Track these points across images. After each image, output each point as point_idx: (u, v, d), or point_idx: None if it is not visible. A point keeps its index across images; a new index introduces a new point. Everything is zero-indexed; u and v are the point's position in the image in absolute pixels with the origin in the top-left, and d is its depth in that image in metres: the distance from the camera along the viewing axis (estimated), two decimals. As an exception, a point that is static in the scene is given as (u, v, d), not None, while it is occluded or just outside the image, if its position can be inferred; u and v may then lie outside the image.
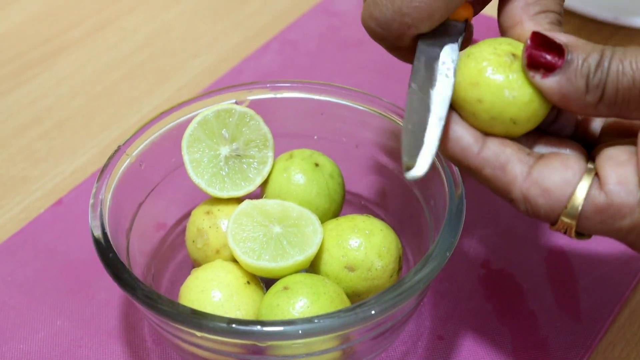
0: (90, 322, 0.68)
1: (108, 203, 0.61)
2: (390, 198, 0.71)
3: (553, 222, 0.49)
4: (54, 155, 0.84)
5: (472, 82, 0.49)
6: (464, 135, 0.50)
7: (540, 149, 0.52)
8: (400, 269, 0.64)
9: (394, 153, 0.69)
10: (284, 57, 0.94)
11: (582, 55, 0.46)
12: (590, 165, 0.49)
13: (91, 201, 0.61)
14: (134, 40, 0.99)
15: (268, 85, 0.70)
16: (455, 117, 0.50)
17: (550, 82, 0.47)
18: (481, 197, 0.74)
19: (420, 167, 0.48)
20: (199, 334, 0.54)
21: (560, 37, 0.48)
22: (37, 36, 0.99)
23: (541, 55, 0.47)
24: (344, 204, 0.69)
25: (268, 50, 0.95)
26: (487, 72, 0.49)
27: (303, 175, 0.66)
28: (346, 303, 0.60)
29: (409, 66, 0.53)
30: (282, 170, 0.67)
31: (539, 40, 0.48)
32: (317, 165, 0.67)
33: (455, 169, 0.61)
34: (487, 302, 0.68)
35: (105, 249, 0.57)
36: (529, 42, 0.48)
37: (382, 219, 0.67)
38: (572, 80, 0.46)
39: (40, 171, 0.82)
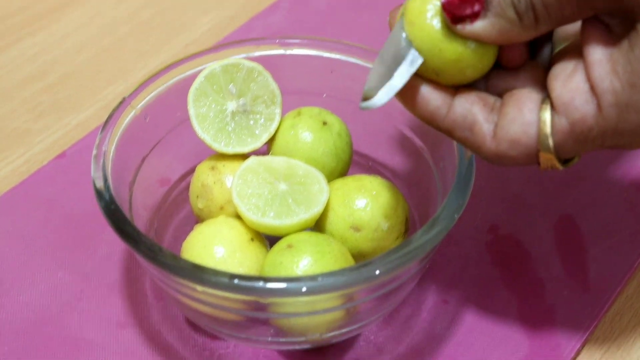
0: (91, 275, 0.67)
1: (111, 155, 0.60)
2: (399, 159, 0.70)
3: (535, 163, 0.49)
4: (58, 108, 0.83)
5: (410, 22, 0.48)
6: (431, 98, 0.50)
7: (497, 82, 0.50)
8: (406, 230, 0.63)
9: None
10: (294, 16, 0.93)
11: None
12: (543, 95, 0.48)
13: (94, 152, 0.60)
14: (142, -5, 0.98)
15: (277, 41, 0.68)
16: (421, 79, 0.50)
17: (484, 26, 0.46)
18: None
19: (379, 99, 0.49)
20: (200, 288, 0.53)
21: None
22: (44, -12, 0.98)
23: (460, 5, 0.46)
24: (351, 163, 0.68)
25: (278, 8, 0.94)
26: (428, 15, 0.48)
27: (310, 133, 0.65)
28: (350, 262, 0.59)
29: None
30: (290, 128, 0.65)
31: None
32: (325, 123, 0.66)
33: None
34: (494, 268, 0.67)
35: (107, 201, 0.56)
36: None
37: (390, 181, 0.66)
38: (502, 13, 0.45)
39: (44, 124, 0.81)
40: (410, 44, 0.48)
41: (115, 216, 0.55)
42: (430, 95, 0.50)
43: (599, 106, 0.45)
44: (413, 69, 0.48)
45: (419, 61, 0.48)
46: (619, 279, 0.67)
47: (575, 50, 0.48)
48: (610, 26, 0.46)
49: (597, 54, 0.46)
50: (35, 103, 0.83)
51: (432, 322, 0.64)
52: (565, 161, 0.49)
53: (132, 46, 0.90)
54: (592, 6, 0.45)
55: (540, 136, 0.47)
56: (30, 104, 0.83)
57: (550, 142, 0.47)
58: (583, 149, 0.48)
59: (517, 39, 0.47)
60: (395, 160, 0.71)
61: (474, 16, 0.46)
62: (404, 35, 0.49)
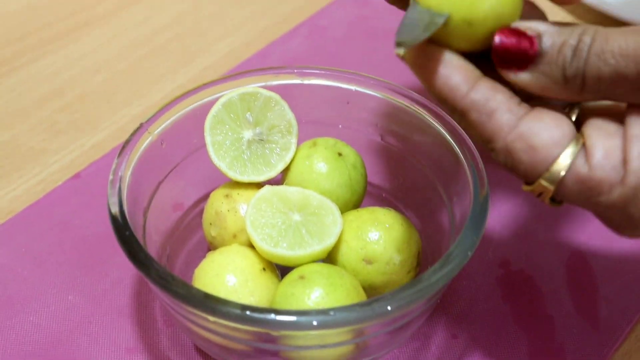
0: (102, 298, 0.68)
1: (127, 180, 0.60)
2: (413, 192, 0.70)
3: (530, 182, 0.46)
4: (74, 128, 0.83)
5: None
6: (454, 73, 0.46)
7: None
8: (418, 264, 0.63)
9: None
10: (311, 43, 0.93)
11: (558, 43, 0.44)
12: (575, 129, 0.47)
13: (110, 177, 0.60)
14: (161, 18, 0.98)
15: (295, 70, 0.69)
16: (446, 52, 0.46)
17: (526, 78, 0.45)
18: (503, 196, 0.73)
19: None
20: (211, 318, 0.53)
21: (533, 26, 0.45)
22: (64, 8, 0.99)
23: (510, 52, 0.45)
24: (365, 195, 0.68)
25: (295, 35, 0.94)
26: None
27: (325, 164, 0.65)
28: (362, 296, 0.60)
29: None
30: (305, 158, 0.66)
31: (508, 34, 0.45)
32: (340, 154, 0.66)
33: (482, 166, 0.60)
34: (504, 304, 0.67)
35: (121, 227, 0.57)
36: (497, 39, 0.45)
37: (403, 213, 0.66)
38: (548, 72, 0.44)
39: (60, 144, 0.82)
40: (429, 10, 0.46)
41: (129, 243, 0.56)
42: (452, 71, 0.46)
43: (623, 180, 0.44)
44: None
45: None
46: (629, 318, 0.67)
47: (620, 114, 0.46)
48: None
49: (637, 130, 0.44)
50: (52, 122, 0.84)
51: (440, 357, 0.64)
52: (552, 200, 0.48)
53: (149, 69, 0.91)
54: None
55: (556, 162, 0.45)
56: (47, 123, 0.84)
57: (562, 175, 0.45)
58: (578, 202, 0.46)
59: (557, 97, 0.46)
60: (409, 193, 0.71)
61: (523, 67, 0.45)
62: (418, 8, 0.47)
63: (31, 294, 0.67)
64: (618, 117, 0.46)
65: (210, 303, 0.52)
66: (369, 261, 0.61)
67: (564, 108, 0.49)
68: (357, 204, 0.67)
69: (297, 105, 0.67)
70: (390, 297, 0.53)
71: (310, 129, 0.69)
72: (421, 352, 0.64)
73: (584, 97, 0.45)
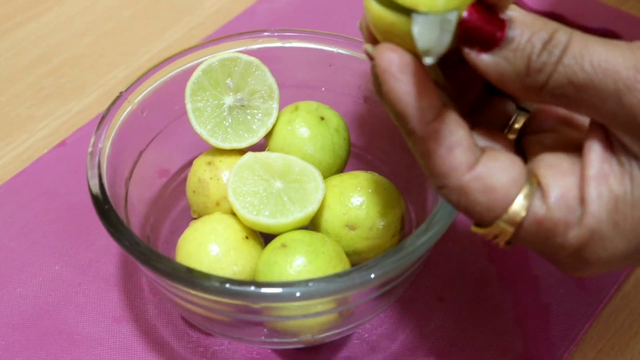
0: (89, 268, 0.68)
1: (107, 152, 0.60)
2: (397, 155, 0.70)
3: (486, 223, 0.44)
4: (61, 93, 0.83)
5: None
6: (426, 94, 0.43)
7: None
8: (402, 228, 0.63)
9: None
10: (298, 0, 0.93)
11: (527, 32, 0.41)
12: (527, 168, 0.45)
13: (89, 149, 0.60)
14: (147, -23, 0.97)
15: (276, 34, 0.68)
16: (419, 68, 0.43)
17: (487, 61, 0.42)
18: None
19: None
20: (193, 292, 0.53)
21: (508, 12, 0.42)
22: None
23: (477, 30, 0.42)
24: (349, 159, 0.67)
25: (283, -8, 0.94)
26: None
27: (308, 128, 0.65)
28: (345, 262, 0.60)
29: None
30: (287, 123, 0.65)
31: (478, 13, 0.42)
32: (322, 118, 0.65)
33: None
34: (491, 265, 0.67)
35: (101, 201, 0.57)
36: (465, 13, 0.42)
37: (387, 176, 0.66)
38: (511, 58, 0.41)
39: (47, 110, 0.81)
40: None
41: (108, 217, 0.56)
42: (423, 91, 0.43)
43: (580, 222, 0.42)
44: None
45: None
46: (615, 277, 0.67)
47: (572, 146, 0.45)
48: (615, 142, 0.43)
49: (596, 169, 0.43)
50: (39, 88, 0.84)
51: (426, 320, 0.64)
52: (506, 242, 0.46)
53: (136, 30, 0.90)
54: (612, 118, 0.41)
55: (514, 203, 0.43)
56: (34, 89, 0.84)
57: (521, 216, 0.43)
58: (532, 243, 0.44)
59: (512, 90, 0.43)
60: (393, 154, 0.70)
61: (487, 48, 0.42)
62: None
63: (18, 265, 0.68)
64: (567, 150, 0.45)
65: (191, 278, 0.52)
66: (352, 227, 0.61)
67: (502, 129, 0.48)
68: (340, 169, 0.67)
69: (278, 69, 0.66)
70: (373, 265, 0.53)
71: (292, 93, 0.69)
72: (406, 316, 0.64)
73: (540, 96, 0.42)
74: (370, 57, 0.44)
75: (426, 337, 0.63)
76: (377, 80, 0.44)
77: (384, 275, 0.53)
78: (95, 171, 0.58)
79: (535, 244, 0.44)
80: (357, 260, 0.62)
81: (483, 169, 0.43)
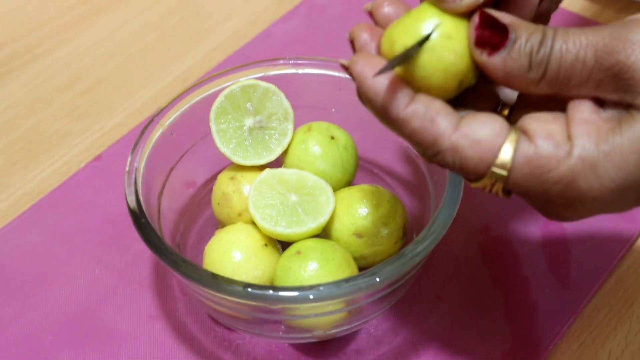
0: (125, 271, 0.76)
1: (142, 170, 0.68)
2: (399, 168, 0.77)
3: (482, 174, 0.48)
4: (94, 112, 0.91)
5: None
6: (398, 84, 0.48)
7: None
8: (404, 235, 0.71)
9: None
10: (309, 22, 1.00)
11: (525, 34, 0.47)
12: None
13: (126, 169, 0.67)
14: (167, 2, 1.05)
15: (291, 62, 0.76)
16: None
17: (495, 60, 0.47)
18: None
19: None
20: (218, 294, 0.61)
21: (504, 18, 0.48)
22: (77, -5, 1.06)
23: (488, 35, 0.47)
24: (356, 173, 0.75)
25: (295, 15, 1.01)
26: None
27: (319, 147, 0.72)
28: (353, 267, 0.67)
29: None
30: (301, 142, 0.73)
31: (486, 20, 0.48)
32: (332, 138, 0.73)
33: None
34: (484, 266, 0.75)
35: (138, 215, 0.64)
36: (476, 20, 0.48)
37: (391, 187, 0.74)
38: (516, 58, 0.47)
39: (81, 127, 0.89)
40: None
41: (145, 230, 0.63)
42: (394, 83, 0.48)
43: (569, 153, 0.46)
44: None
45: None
46: (597, 276, 0.74)
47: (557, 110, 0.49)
48: (604, 101, 0.48)
49: (584, 114, 0.47)
50: (73, 107, 0.91)
51: (426, 317, 0.71)
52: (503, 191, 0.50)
53: (160, 52, 0.98)
54: (597, 83, 0.47)
55: (502, 149, 0.47)
56: (69, 108, 0.91)
57: (510, 158, 0.47)
58: (529, 183, 0.48)
59: (515, 86, 0.48)
60: (396, 168, 0.78)
61: (496, 48, 0.47)
62: None
63: (61, 270, 0.75)
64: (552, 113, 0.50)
65: (216, 282, 0.60)
66: (359, 235, 0.69)
67: None
68: (348, 182, 0.74)
69: (292, 93, 0.74)
70: (377, 271, 0.60)
71: (305, 114, 0.76)
72: (408, 313, 0.72)
73: (540, 87, 0.48)
74: (345, 68, 0.50)
75: (426, 331, 0.71)
76: (358, 87, 0.49)
77: (387, 279, 0.60)
78: (132, 188, 0.66)
79: (531, 182, 0.47)
80: (363, 264, 0.69)
81: (467, 127, 0.48)
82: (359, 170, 0.76)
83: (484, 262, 0.75)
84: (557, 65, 0.47)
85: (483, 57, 0.48)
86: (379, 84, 0.48)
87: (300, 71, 0.76)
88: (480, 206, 0.79)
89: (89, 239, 0.78)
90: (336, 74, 0.76)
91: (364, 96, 0.49)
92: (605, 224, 0.77)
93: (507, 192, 0.50)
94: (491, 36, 0.47)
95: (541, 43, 0.47)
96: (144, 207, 0.65)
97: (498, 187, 0.49)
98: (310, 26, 1.00)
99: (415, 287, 0.73)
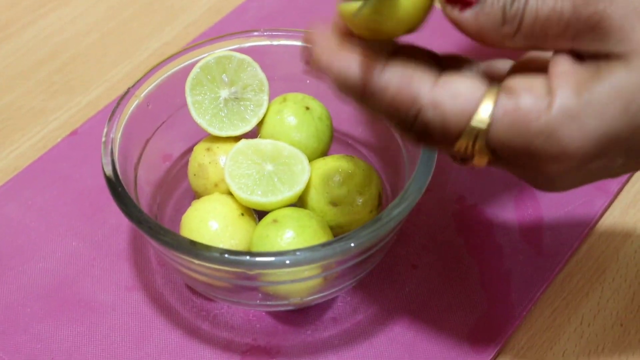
0: (102, 243, 0.76)
1: (118, 141, 0.68)
2: (374, 138, 0.78)
3: (462, 128, 0.47)
4: (69, 88, 0.91)
5: None
6: (361, 55, 0.48)
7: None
8: (379, 204, 0.71)
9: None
10: (285, -2, 1.01)
11: None
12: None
13: (103, 139, 0.68)
14: (145, -22, 1.05)
15: (265, 33, 0.76)
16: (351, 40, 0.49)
17: (467, 16, 0.47)
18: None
19: None
20: (196, 261, 0.62)
21: None
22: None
23: None
24: (331, 143, 0.76)
25: (271, -10, 1.02)
26: None
27: (295, 117, 0.73)
28: (329, 235, 0.68)
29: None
30: (276, 113, 0.74)
31: None
32: (307, 108, 0.74)
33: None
34: (459, 235, 0.76)
35: (115, 184, 0.65)
36: None
37: (366, 157, 0.74)
38: (489, 12, 0.46)
39: (57, 103, 0.89)
40: None
41: (122, 199, 0.64)
42: (363, 52, 0.48)
43: (550, 105, 0.46)
44: None
45: None
46: (570, 244, 0.75)
47: (532, 67, 0.49)
48: (583, 54, 0.47)
49: (564, 66, 0.47)
50: (49, 83, 0.92)
51: (402, 285, 0.72)
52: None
53: (136, 29, 0.98)
54: (575, 34, 0.46)
55: (482, 102, 0.47)
56: (45, 85, 0.91)
57: (489, 113, 0.47)
58: (510, 136, 0.47)
59: (488, 42, 0.47)
60: (371, 139, 0.79)
61: (468, 4, 0.46)
62: None
63: (39, 243, 0.76)
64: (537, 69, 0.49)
65: (194, 249, 0.61)
66: (334, 204, 0.69)
67: None
68: (324, 152, 0.75)
69: (268, 65, 0.74)
70: (352, 236, 0.61)
71: (280, 85, 0.76)
72: (384, 282, 0.72)
73: (516, 41, 0.47)
74: (309, 64, 0.50)
75: (401, 299, 0.71)
76: (332, 81, 0.50)
77: (362, 244, 0.61)
78: (109, 158, 0.67)
79: (511, 137, 0.47)
80: (340, 232, 0.70)
81: (446, 81, 0.47)
82: (334, 142, 0.77)
83: (458, 231, 0.76)
84: (533, 17, 0.46)
85: (454, 13, 0.47)
86: (347, 65, 0.48)
87: (275, 42, 0.76)
88: (455, 177, 0.80)
89: (66, 212, 0.78)
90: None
91: (340, 86, 0.49)
92: (578, 192, 0.78)
93: (490, 153, 0.49)
94: None
95: None
96: (120, 178, 0.66)
97: (479, 144, 0.48)
98: (285, 1, 1.00)
99: (391, 256, 0.74)
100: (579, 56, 0.47)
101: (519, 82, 0.47)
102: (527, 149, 0.47)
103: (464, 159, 0.50)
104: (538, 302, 0.72)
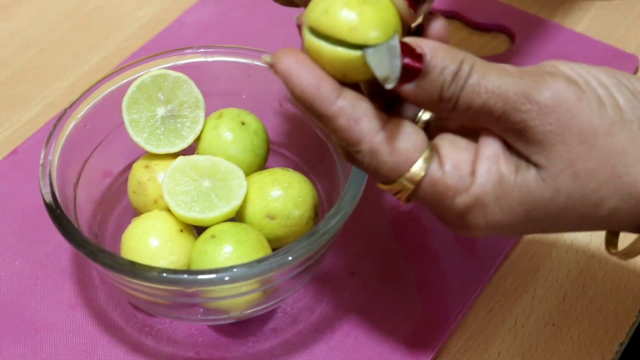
0: (45, 262, 0.77)
1: (56, 163, 0.69)
2: (309, 151, 0.79)
3: (391, 181, 0.51)
4: (8, 105, 0.92)
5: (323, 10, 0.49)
6: (323, 82, 0.49)
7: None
8: (316, 215, 0.73)
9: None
10: (221, 10, 1.02)
11: (441, 65, 0.49)
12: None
13: (41, 162, 0.69)
14: (82, -9, 1.06)
15: (200, 50, 0.77)
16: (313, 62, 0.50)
17: (407, 89, 0.49)
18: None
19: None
20: (136, 281, 0.63)
21: (422, 44, 0.49)
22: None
23: (404, 62, 0.49)
24: (268, 157, 0.77)
25: (207, 2, 1.02)
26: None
27: (231, 133, 0.74)
28: (267, 248, 0.69)
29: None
30: (213, 129, 0.75)
31: (402, 48, 0.49)
32: (243, 123, 0.75)
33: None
34: (395, 242, 0.78)
35: (53, 208, 0.66)
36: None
37: (301, 169, 0.76)
38: (427, 90, 0.49)
39: (-3, 121, 0.90)
40: None
41: (60, 221, 0.65)
42: (322, 79, 0.50)
43: (467, 189, 0.50)
44: None
45: None
46: (502, 247, 0.77)
47: (471, 133, 0.53)
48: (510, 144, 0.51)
49: (490, 151, 0.51)
50: (-12, 101, 0.92)
51: (340, 293, 0.74)
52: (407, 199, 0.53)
53: (74, 43, 0.99)
54: (504, 129, 0.50)
55: (416, 165, 0.50)
56: (-16, 102, 0.92)
57: (421, 175, 0.50)
58: (428, 202, 0.52)
59: (429, 110, 0.53)
60: (306, 151, 0.80)
61: (409, 79, 0.49)
62: None
63: (-19, 264, 0.77)
64: (466, 135, 0.53)
65: (134, 269, 0.62)
66: (271, 217, 0.71)
67: (414, 119, 0.55)
68: (261, 166, 0.76)
69: (203, 81, 0.76)
70: (290, 249, 0.62)
71: (216, 101, 0.78)
72: (323, 291, 0.74)
73: (452, 116, 0.51)
74: (270, 65, 0.51)
75: (341, 307, 0.73)
76: (285, 85, 0.50)
77: (299, 257, 0.63)
78: (47, 181, 0.67)
79: (430, 202, 0.52)
80: (278, 245, 0.71)
81: (389, 134, 0.50)
82: (271, 155, 0.78)
83: (395, 238, 0.78)
84: (467, 105, 0.49)
85: (396, 87, 0.49)
86: (307, 79, 0.49)
87: (209, 59, 0.78)
88: (391, 183, 0.82)
89: (7, 232, 0.79)
90: (245, 60, 0.77)
91: (291, 92, 0.50)
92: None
93: (408, 200, 0.53)
94: (405, 66, 0.49)
95: (454, 78, 0.49)
96: (59, 199, 0.67)
97: (402, 195, 0.52)
98: (222, 13, 1.01)
99: (329, 264, 0.76)
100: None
101: (451, 153, 0.51)
102: (439, 215, 0.54)
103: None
104: (473, 305, 0.74)
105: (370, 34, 0.49)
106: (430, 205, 0.53)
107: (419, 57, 0.49)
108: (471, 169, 0.51)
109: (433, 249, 0.77)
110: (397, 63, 0.48)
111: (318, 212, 0.73)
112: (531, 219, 0.52)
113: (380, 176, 0.52)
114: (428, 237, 0.78)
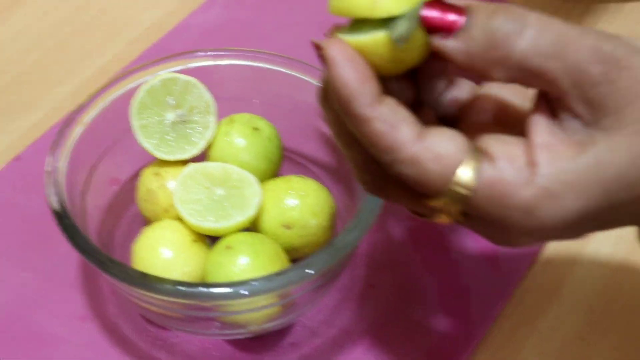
0: (53, 273, 0.74)
1: (63, 170, 0.67)
2: (324, 157, 0.77)
3: (439, 190, 0.46)
4: (11, 110, 0.89)
5: None
6: (370, 80, 0.46)
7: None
8: (333, 224, 0.70)
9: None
10: (229, 12, 0.99)
11: (485, 12, 0.45)
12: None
13: (47, 169, 0.66)
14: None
15: (209, 53, 0.75)
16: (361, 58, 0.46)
17: (452, 43, 0.45)
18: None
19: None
20: (148, 293, 0.60)
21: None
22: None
23: (439, 19, 0.45)
24: (282, 163, 0.74)
25: (214, 4, 1.00)
26: None
27: (243, 139, 0.72)
28: (283, 259, 0.67)
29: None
30: (224, 135, 0.72)
31: (436, 5, 0.45)
32: (256, 129, 0.72)
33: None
34: (415, 253, 0.75)
35: (61, 216, 0.63)
36: (425, 12, 0.45)
37: (317, 176, 0.74)
38: (477, 37, 0.45)
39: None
40: None
41: (70, 231, 0.62)
42: (367, 79, 0.46)
43: (530, 180, 0.44)
44: None
45: None
46: (527, 259, 0.75)
47: (512, 126, 0.48)
48: (560, 112, 0.46)
49: (544, 137, 0.45)
50: (-10, 105, 0.89)
51: (360, 306, 0.71)
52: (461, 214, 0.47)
53: (78, 46, 0.96)
54: (566, 94, 0.45)
55: (463, 167, 0.45)
56: (-15, 108, 0.89)
57: (471, 179, 0.45)
58: (487, 207, 0.46)
59: (475, 67, 0.45)
60: (321, 157, 0.78)
61: (451, 30, 0.45)
62: None
63: (-15, 275, 0.74)
64: (508, 131, 0.48)
65: (146, 281, 0.59)
66: (288, 226, 0.68)
67: None
68: (274, 173, 0.74)
69: (213, 85, 0.73)
70: (310, 262, 0.60)
71: (227, 105, 0.75)
72: (343, 303, 0.71)
73: (505, 68, 0.45)
74: (318, 48, 0.47)
75: (360, 321, 0.70)
76: (327, 72, 0.46)
77: (319, 270, 0.60)
78: (53, 189, 0.65)
79: (489, 209, 0.45)
80: (294, 255, 0.69)
81: (429, 139, 0.45)
82: (285, 161, 0.76)
83: (415, 248, 0.75)
84: (531, 49, 0.44)
85: (437, 42, 0.45)
86: (351, 74, 0.45)
87: (220, 63, 0.75)
88: (408, 190, 0.79)
89: (12, 242, 0.76)
90: (256, 64, 0.75)
91: (329, 83, 0.46)
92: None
93: (461, 215, 0.47)
94: (443, 19, 0.45)
95: (506, 20, 0.44)
96: (67, 207, 0.64)
97: (455, 208, 0.46)
98: (229, 15, 0.99)
99: (348, 276, 0.73)
100: (553, 110, 0.46)
101: (500, 148, 0.46)
102: (502, 220, 0.46)
103: (426, 214, 0.49)
104: (497, 319, 0.71)
105: (393, 4, 0.45)
106: (492, 213, 0.46)
107: (459, 9, 0.45)
108: (528, 160, 0.45)
109: (453, 260, 0.74)
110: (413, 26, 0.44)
111: (335, 221, 0.71)
112: (611, 194, 0.45)
113: (427, 187, 0.46)
114: (448, 247, 0.75)
